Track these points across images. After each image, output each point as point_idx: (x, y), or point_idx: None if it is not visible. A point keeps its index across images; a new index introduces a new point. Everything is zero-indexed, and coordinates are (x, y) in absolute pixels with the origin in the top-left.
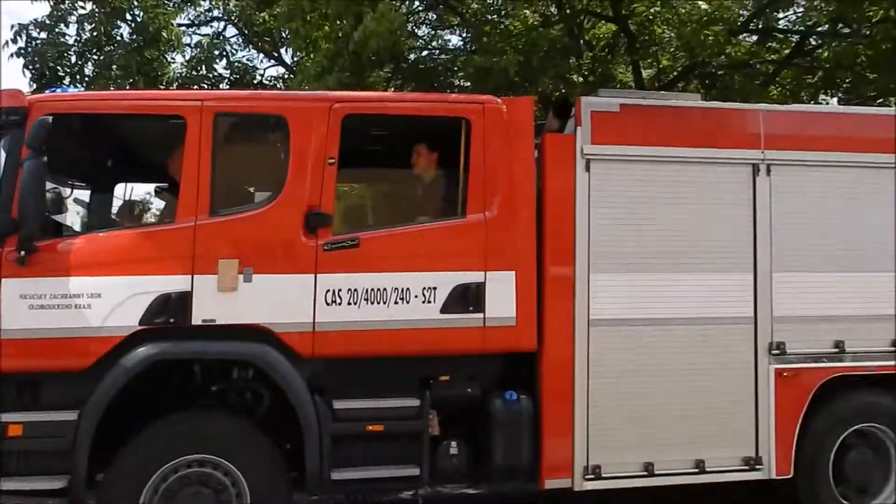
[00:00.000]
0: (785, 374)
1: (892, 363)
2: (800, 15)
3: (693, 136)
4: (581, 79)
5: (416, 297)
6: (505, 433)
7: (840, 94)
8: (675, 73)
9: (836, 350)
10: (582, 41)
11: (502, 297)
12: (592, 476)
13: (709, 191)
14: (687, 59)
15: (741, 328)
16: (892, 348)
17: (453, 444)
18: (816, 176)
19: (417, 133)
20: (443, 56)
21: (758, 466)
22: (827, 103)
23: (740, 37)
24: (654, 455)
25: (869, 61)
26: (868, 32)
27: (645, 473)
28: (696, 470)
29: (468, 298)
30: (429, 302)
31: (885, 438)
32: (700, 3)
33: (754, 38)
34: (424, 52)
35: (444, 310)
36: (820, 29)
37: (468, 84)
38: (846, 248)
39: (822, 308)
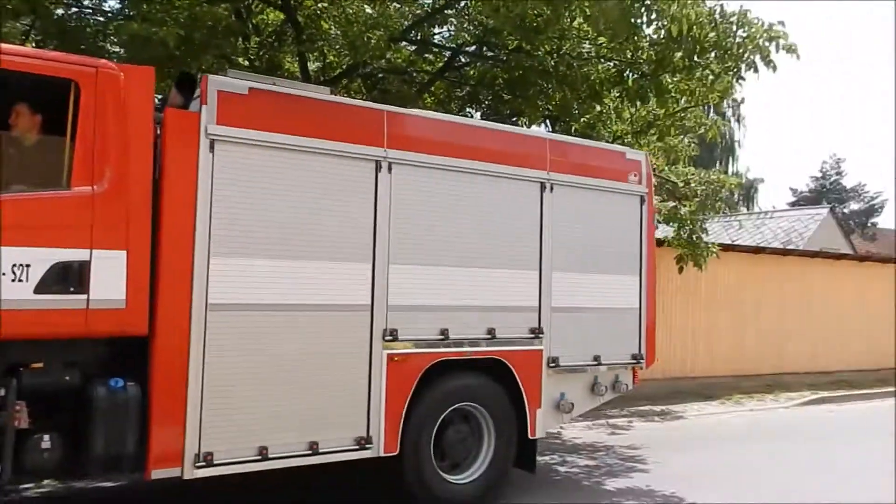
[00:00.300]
0: (396, 358)
1: (487, 348)
2: (452, 33)
3: (322, 128)
4: (247, 63)
5: (3, 274)
6: (108, 422)
7: (483, 110)
8: (340, 70)
9: (442, 337)
10: (250, 25)
11: (110, 277)
12: (204, 463)
13: (334, 182)
14: (351, 58)
15: (358, 315)
16: (488, 335)
17: (46, 436)
18: (434, 177)
19: (19, 91)
20: (96, 17)
21: (368, 446)
22: (472, 116)
23: (401, 44)
24: (270, 439)
25: (505, 83)
26: (505, 58)
27: (259, 458)
28: (310, 452)
29: (69, 278)
30: (20, 280)
31: (480, 416)
32: (365, 6)
33: (414, 47)
34: (73, 10)
35: (38, 290)
36: (468, 49)
37: (122, 51)
38: (456, 244)
39: (432, 298)
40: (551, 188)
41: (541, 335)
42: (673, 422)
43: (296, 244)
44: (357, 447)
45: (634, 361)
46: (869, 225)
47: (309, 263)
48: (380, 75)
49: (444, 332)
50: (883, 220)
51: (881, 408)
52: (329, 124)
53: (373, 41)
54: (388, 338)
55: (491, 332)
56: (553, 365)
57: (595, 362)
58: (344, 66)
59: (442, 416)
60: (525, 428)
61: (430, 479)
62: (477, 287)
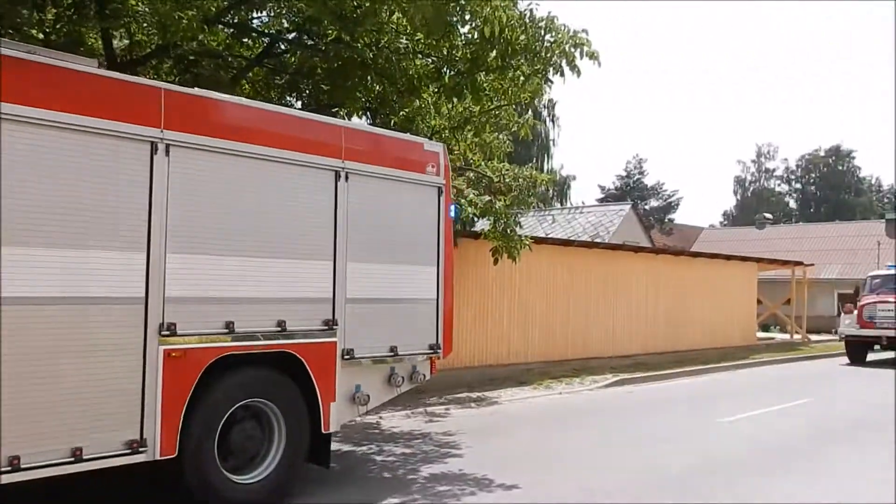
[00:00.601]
0: (174, 354)
1: (277, 342)
2: (271, 18)
3: (87, 104)
4: (42, 36)
5: None
6: None
7: (303, 100)
8: (149, 50)
9: (227, 330)
10: None
11: None
12: None
13: (102, 163)
14: (161, 37)
15: (130, 309)
16: (277, 328)
17: None
18: (219, 162)
19: None
20: None
21: (141, 449)
22: (292, 105)
23: (217, 27)
24: (22, 447)
25: (325, 73)
26: (324, 48)
27: (9, 469)
28: (72, 459)
29: None
30: None
31: (269, 412)
32: None
33: (231, 31)
34: None
35: None
36: (288, 36)
37: None
38: (242, 233)
39: (215, 290)
40: (346, 177)
41: (335, 327)
42: (488, 407)
43: (56, 231)
44: (129, 451)
45: (432, 352)
46: (666, 220)
47: (72, 253)
48: (192, 58)
49: (229, 325)
50: (679, 216)
51: (674, 386)
52: (96, 100)
53: (184, 21)
54: (164, 332)
55: (281, 324)
56: (348, 357)
57: (392, 353)
58: (153, 47)
59: (227, 414)
60: (319, 422)
61: (215, 480)
62: (266, 278)
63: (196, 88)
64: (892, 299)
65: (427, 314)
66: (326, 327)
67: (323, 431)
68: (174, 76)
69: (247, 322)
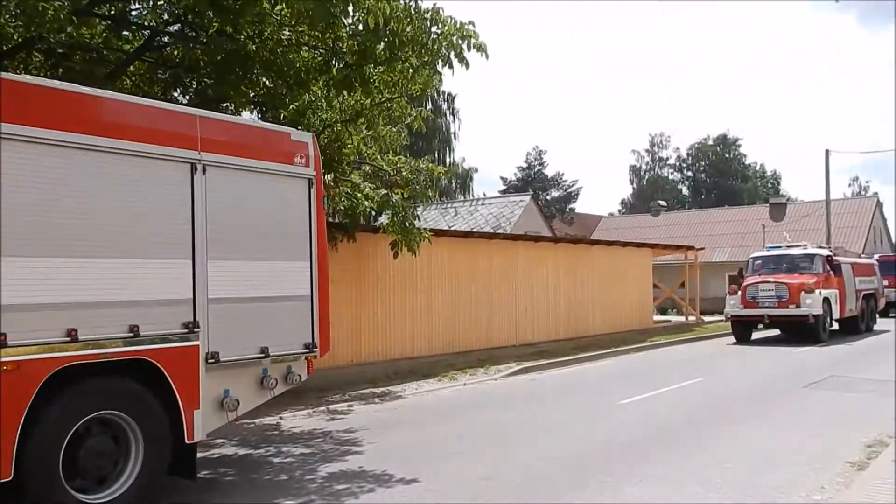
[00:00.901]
0: (5, 367)
1: (129, 348)
2: (150, 9)
3: None
4: None
5: None
6: None
7: (190, 95)
8: (16, 43)
9: (68, 339)
10: None
11: None
12: None
13: None
14: (27, 30)
15: None
16: (130, 333)
17: None
18: (54, 156)
19: None
20: None
21: None
22: (178, 101)
23: (94, 19)
24: None
25: (209, 67)
26: (206, 40)
27: None
28: None
29: None
30: None
31: (124, 424)
32: None
33: (107, 23)
34: None
35: None
36: (171, 29)
37: None
38: (80, 232)
39: (54, 295)
40: (204, 170)
41: (196, 329)
42: (392, 402)
43: None
44: None
45: (308, 351)
46: (567, 210)
47: None
48: (60, 51)
49: (71, 332)
50: (579, 206)
51: (577, 371)
52: None
53: (50, 12)
54: None
55: (133, 329)
56: (212, 361)
57: (262, 355)
58: (20, 39)
59: (73, 430)
60: (182, 432)
61: (62, 502)
62: (115, 280)
63: (24, 75)
64: (773, 279)
65: (300, 312)
66: (187, 330)
67: (187, 442)
68: (45, 71)
69: (92, 328)
